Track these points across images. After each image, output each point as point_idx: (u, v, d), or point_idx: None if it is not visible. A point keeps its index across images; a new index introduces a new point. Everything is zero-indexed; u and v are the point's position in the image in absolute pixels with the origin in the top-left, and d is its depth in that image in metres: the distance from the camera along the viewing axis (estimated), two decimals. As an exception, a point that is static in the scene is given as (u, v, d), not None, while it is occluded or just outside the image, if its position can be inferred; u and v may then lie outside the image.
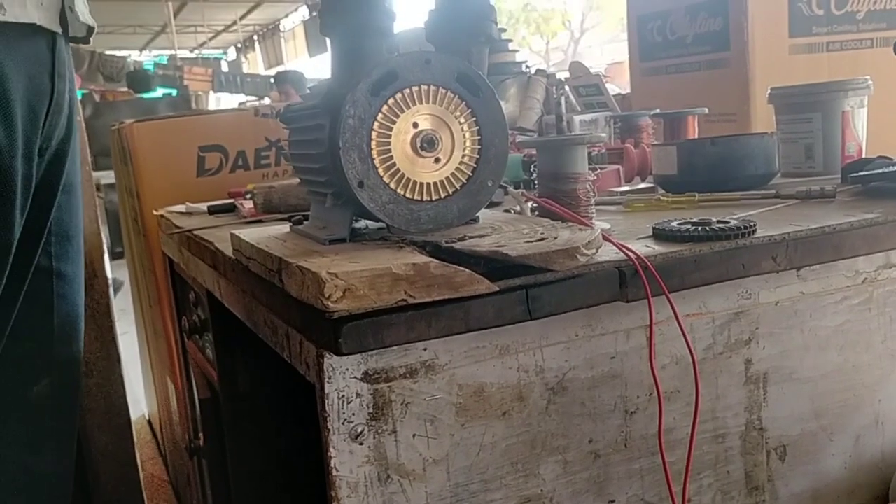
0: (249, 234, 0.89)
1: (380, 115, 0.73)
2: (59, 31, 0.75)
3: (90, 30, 0.86)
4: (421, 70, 0.74)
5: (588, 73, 2.06)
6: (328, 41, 0.80)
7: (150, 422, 2.45)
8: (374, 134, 0.73)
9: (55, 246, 0.81)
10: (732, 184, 1.09)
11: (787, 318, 0.85)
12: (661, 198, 1.06)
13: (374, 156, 0.73)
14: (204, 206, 1.46)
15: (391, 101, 0.73)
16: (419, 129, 0.74)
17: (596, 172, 0.89)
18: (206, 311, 1.29)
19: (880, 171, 1.05)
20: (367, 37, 0.77)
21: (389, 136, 0.73)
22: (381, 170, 0.73)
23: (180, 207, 1.52)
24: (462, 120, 0.76)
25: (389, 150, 0.73)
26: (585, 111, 1.94)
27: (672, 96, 2.02)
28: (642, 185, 1.27)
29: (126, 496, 1.65)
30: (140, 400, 2.54)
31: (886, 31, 1.82)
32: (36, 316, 0.81)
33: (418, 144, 0.74)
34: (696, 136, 1.46)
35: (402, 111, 0.73)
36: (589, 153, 1.06)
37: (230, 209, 1.40)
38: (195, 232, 1.22)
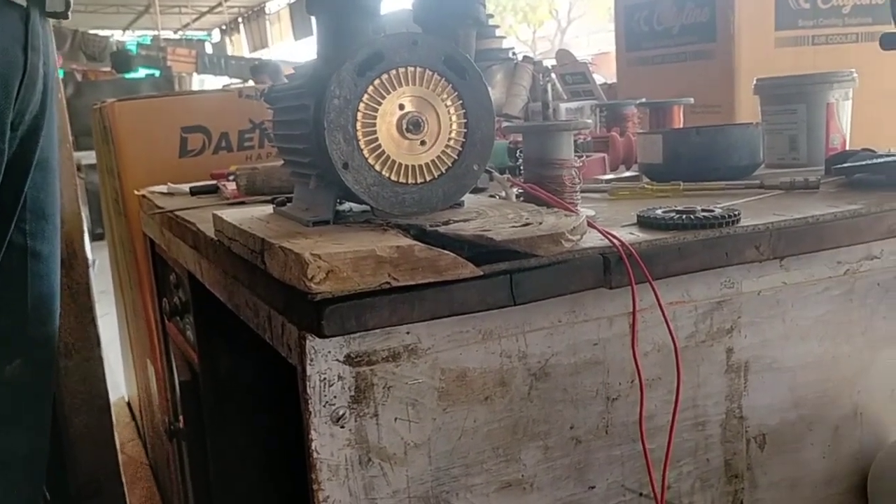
0: (232, 215, 0.88)
1: (365, 96, 0.72)
2: (34, 3, 0.73)
3: (68, 4, 0.84)
4: (407, 51, 0.73)
5: (575, 62, 2.06)
6: (314, 20, 0.79)
7: (129, 404, 2.43)
8: (359, 115, 0.72)
9: (30, 223, 0.80)
10: (717, 173, 1.09)
11: (769, 307, 0.85)
12: (646, 186, 1.06)
13: (360, 137, 0.72)
14: (186, 188, 1.44)
15: (377, 81, 0.72)
16: (405, 111, 0.74)
17: (581, 160, 0.89)
18: (186, 292, 1.28)
19: (864, 163, 1.05)
20: (354, 16, 0.76)
21: (375, 118, 0.73)
22: (365, 151, 0.73)
23: (162, 188, 1.51)
24: (448, 103, 0.75)
25: (375, 132, 0.73)
26: (571, 99, 1.93)
27: (658, 86, 2.03)
28: (627, 174, 1.27)
29: (104, 478, 1.64)
30: (120, 382, 2.53)
31: (872, 25, 1.82)
32: (10, 294, 0.80)
33: (404, 126, 0.74)
34: (682, 126, 1.46)
35: (388, 92, 0.73)
36: (575, 141, 1.06)
37: (212, 190, 1.38)
38: (177, 212, 1.21)
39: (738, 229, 0.79)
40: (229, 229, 0.84)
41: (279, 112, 0.87)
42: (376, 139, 0.73)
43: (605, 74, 2.93)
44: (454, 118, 0.76)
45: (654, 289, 0.73)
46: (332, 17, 0.76)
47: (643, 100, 1.64)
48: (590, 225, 0.76)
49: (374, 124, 0.73)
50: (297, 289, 0.64)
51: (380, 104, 0.73)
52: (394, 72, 0.73)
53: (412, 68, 0.73)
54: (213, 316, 1.20)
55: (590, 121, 0.93)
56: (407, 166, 0.75)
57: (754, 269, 0.83)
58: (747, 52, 1.85)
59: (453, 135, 0.76)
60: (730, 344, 0.83)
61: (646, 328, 0.79)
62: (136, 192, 1.55)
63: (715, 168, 1.10)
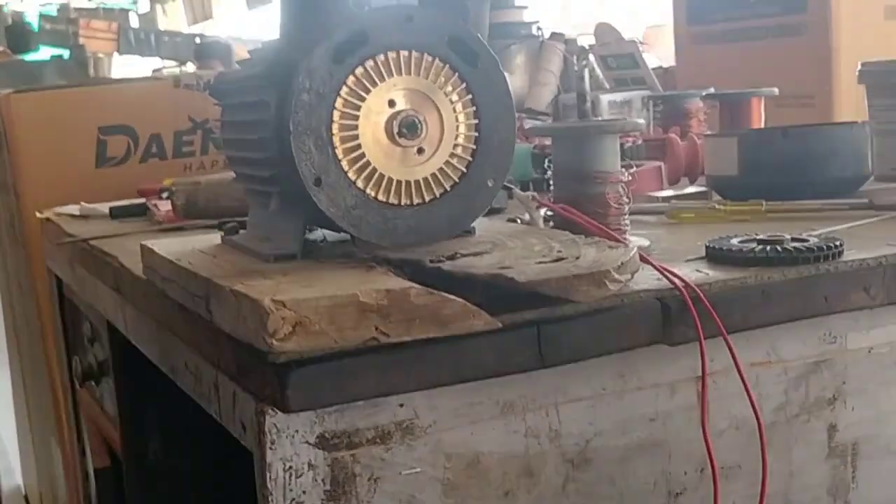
0: (166, 246, 0.88)
1: (344, 90, 0.72)
2: None
3: None
4: (400, 30, 0.73)
5: (620, 39, 2.07)
6: (277, -10, 0.80)
7: (26, 497, 2.42)
8: (336, 115, 0.72)
9: None
10: (810, 189, 1.10)
11: (884, 369, 0.85)
12: (717, 206, 1.06)
13: (337, 144, 0.73)
14: (105, 208, 1.45)
15: (359, 70, 0.73)
16: (397, 108, 0.74)
17: (631, 171, 0.89)
18: (105, 349, 1.28)
19: None
20: (329, -15, 0.77)
21: (357, 118, 0.73)
22: (344, 163, 0.73)
23: (73, 209, 1.51)
24: (454, 98, 0.76)
25: (357, 137, 0.73)
26: (616, 89, 1.95)
27: (730, 71, 2.04)
28: (691, 189, 1.28)
29: None
30: (15, 468, 2.52)
31: None
32: None
33: (395, 129, 0.74)
34: (763, 126, 1.47)
35: (375, 85, 0.73)
36: (622, 145, 1.07)
37: (140, 212, 1.39)
38: (93, 242, 1.22)
39: (841, 265, 0.79)
40: (163, 266, 0.84)
41: (230, 109, 0.87)
42: (359, 146, 0.73)
43: (659, 55, 2.95)
44: (462, 118, 0.76)
45: (729, 345, 0.73)
46: (301, -14, 0.77)
47: (711, 90, 1.65)
48: (643, 259, 0.76)
49: (356, 127, 0.73)
50: (255, 347, 0.64)
51: (363, 100, 0.73)
52: (381, 57, 0.73)
53: (406, 53, 0.74)
54: (141, 381, 1.20)
55: (641, 120, 0.93)
56: (399, 182, 0.75)
57: (863, 318, 0.83)
58: (849, 25, 1.86)
59: (460, 140, 0.76)
60: (832, 419, 0.83)
61: (720, 398, 0.79)
62: (38, 215, 1.56)
63: (808, 182, 1.11)
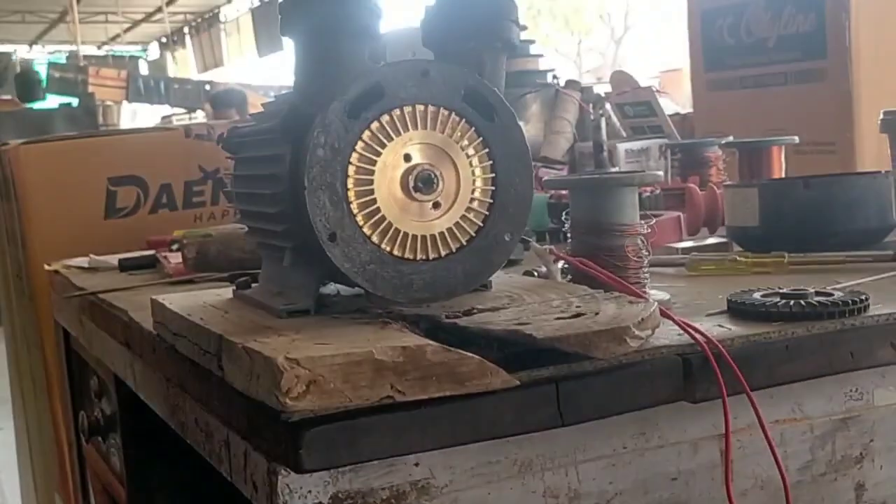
0: (177, 301, 0.89)
1: (360, 145, 0.73)
2: None
3: None
4: (415, 84, 0.75)
5: (636, 87, 2.09)
6: (291, 42, 0.81)
7: (28, 556, 2.41)
8: (351, 169, 0.73)
9: None
10: (834, 240, 1.10)
11: (913, 426, 0.84)
12: (738, 258, 1.07)
13: (352, 199, 0.73)
14: (114, 260, 1.46)
15: (375, 125, 0.74)
16: (412, 163, 0.75)
17: (649, 222, 0.90)
18: (113, 404, 1.28)
19: None
20: (344, 39, 0.78)
21: (373, 173, 0.74)
22: (360, 218, 0.74)
23: (81, 261, 1.52)
24: (470, 152, 0.77)
25: (372, 192, 0.74)
26: (633, 137, 1.96)
27: (749, 118, 2.05)
28: (711, 240, 1.28)
29: None
30: (16, 525, 2.50)
31: None
32: None
33: (411, 184, 0.75)
34: (784, 174, 1.47)
35: (391, 139, 0.74)
36: (639, 195, 1.07)
37: (150, 265, 1.40)
38: (101, 295, 1.22)
39: (867, 320, 0.79)
40: (173, 321, 0.85)
41: (243, 163, 0.88)
42: (374, 201, 0.74)
43: (675, 100, 2.97)
44: (478, 172, 0.77)
45: (753, 403, 0.73)
46: (315, 40, 0.79)
47: (730, 138, 1.66)
48: (663, 314, 0.76)
49: (372, 182, 0.74)
50: (267, 405, 0.65)
51: (379, 155, 0.74)
52: (397, 112, 0.74)
53: (422, 107, 0.75)
54: (149, 437, 1.20)
55: (660, 172, 0.94)
56: (415, 237, 0.76)
57: (890, 373, 0.83)
58: (869, 70, 1.87)
59: (477, 194, 0.77)
60: (860, 477, 0.83)
61: (744, 457, 0.78)
62: (46, 267, 1.57)
63: (832, 233, 1.11)
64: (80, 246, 1.58)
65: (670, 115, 2.07)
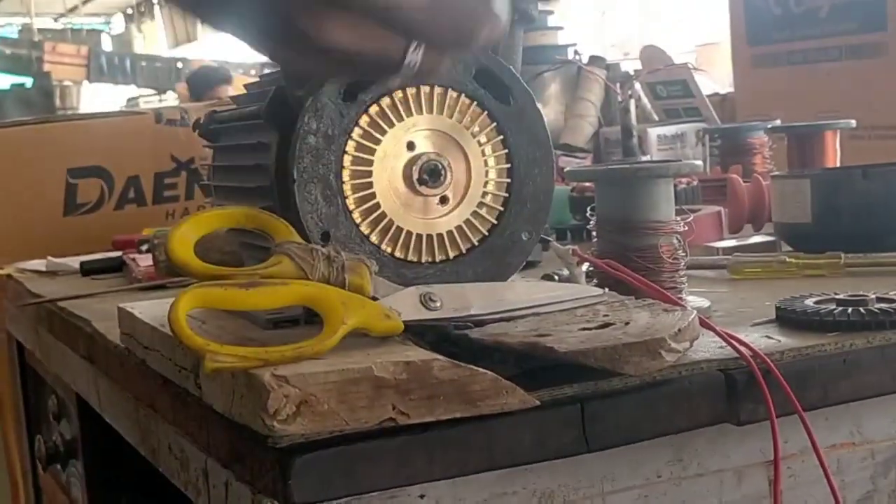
0: (148, 309, 0.89)
1: (357, 132, 0.73)
2: None
3: None
4: (420, 62, 0.75)
5: (669, 64, 2.09)
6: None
7: None
8: (347, 160, 0.73)
9: None
10: (896, 239, 1.10)
11: None
12: (788, 259, 1.06)
13: (347, 193, 0.74)
14: (75, 263, 1.46)
15: (374, 109, 0.74)
16: (417, 152, 0.75)
17: (686, 219, 0.90)
18: (74, 427, 1.28)
19: None
20: (338, 10, 0.78)
21: (371, 164, 0.74)
22: (356, 214, 0.74)
23: (38, 264, 1.52)
24: (482, 139, 0.77)
25: (371, 185, 0.74)
26: (666, 121, 1.97)
27: (798, 98, 2.05)
28: (756, 239, 1.28)
29: None
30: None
31: None
32: None
33: (415, 176, 0.75)
34: (839, 163, 1.47)
35: (392, 125, 0.74)
36: (675, 187, 1.07)
37: (116, 268, 1.40)
38: (61, 303, 1.22)
39: (936, 330, 0.79)
40: (144, 332, 0.85)
41: (223, 152, 0.89)
42: (373, 196, 0.74)
43: (713, 78, 2.97)
44: (491, 163, 0.77)
45: (806, 425, 0.72)
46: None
47: (777, 122, 1.66)
48: (703, 324, 0.76)
49: (371, 174, 0.74)
50: (252, 429, 0.64)
51: (379, 143, 0.74)
52: (400, 94, 0.74)
53: (427, 89, 0.75)
54: (115, 466, 1.20)
55: (699, 161, 0.94)
56: (419, 236, 0.76)
57: (963, 391, 0.82)
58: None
59: (490, 188, 0.77)
60: (928, 509, 0.83)
61: (795, 486, 0.78)
62: (-3, 271, 1.57)
63: (894, 230, 1.11)
64: (36, 246, 1.59)
65: (708, 96, 2.07)
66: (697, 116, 1.95)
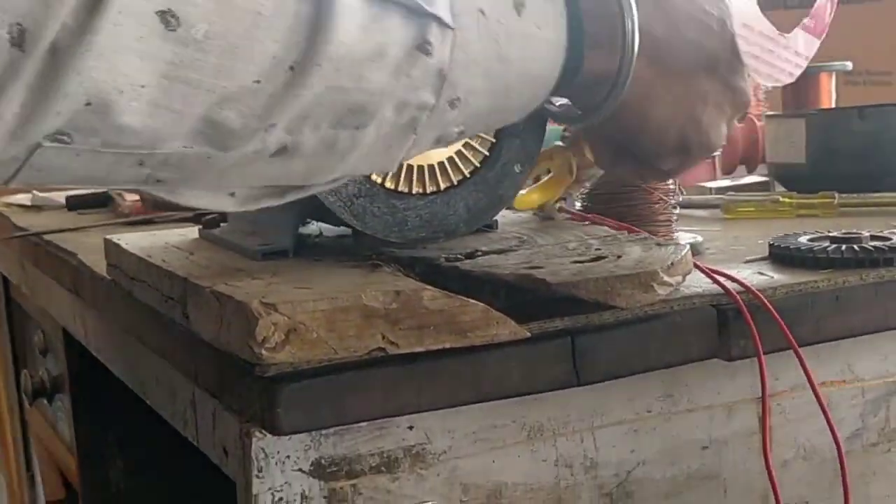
0: (135, 241, 0.89)
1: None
2: None
3: None
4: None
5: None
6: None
7: (-36, 536, 2.43)
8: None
9: None
10: (891, 179, 1.10)
11: (979, 390, 0.84)
12: (781, 199, 1.06)
13: (337, 122, 0.73)
14: (61, 198, 1.45)
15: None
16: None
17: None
18: (60, 361, 1.28)
19: None
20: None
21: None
22: (347, 144, 0.73)
23: (23, 198, 1.52)
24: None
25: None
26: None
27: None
28: (750, 179, 1.28)
29: None
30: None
31: None
32: None
33: (406, 105, 0.74)
34: (835, 106, 1.46)
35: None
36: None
37: (102, 202, 1.40)
38: (46, 237, 1.22)
39: (930, 267, 0.79)
40: (131, 264, 0.85)
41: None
42: (363, 125, 0.73)
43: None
44: (484, 92, 0.76)
45: (801, 360, 0.72)
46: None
47: (772, 64, 1.64)
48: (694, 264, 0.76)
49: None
50: (240, 358, 0.64)
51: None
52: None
53: (420, 15, 0.74)
54: (103, 398, 1.20)
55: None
56: (410, 167, 0.75)
57: (955, 330, 0.82)
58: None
59: (483, 119, 0.76)
60: (917, 448, 0.83)
61: (785, 423, 0.78)
62: (-20, 205, 1.56)
63: (889, 171, 1.10)
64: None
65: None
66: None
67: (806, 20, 0.90)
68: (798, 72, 0.87)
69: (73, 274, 1.07)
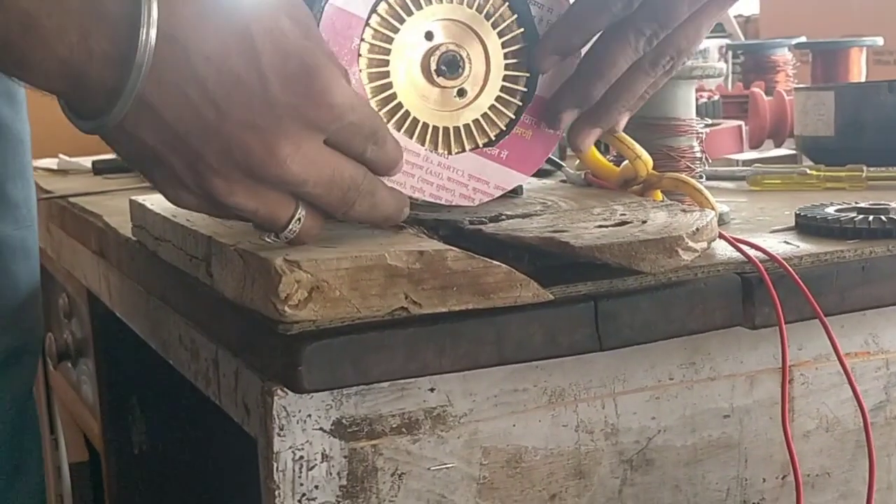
0: (160, 201, 0.88)
1: (375, 19, 0.72)
2: None
3: None
4: (439, -52, 0.73)
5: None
6: None
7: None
8: (364, 48, 0.72)
9: None
10: (920, 153, 1.09)
11: None
12: (809, 171, 1.06)
13: (364, 82, 0.73)
14: (87, 162, 1.46)
15: (392, -3, 0.73)
16: (434, 43, 0.74)
17: (707, 123, 0.89)
18: (84, 324, 1.29)
19: None
20: None
21: (388, 53, 0.73)
22: (373, 104, 0.73)
23: (50, 162, 1.52)
24: (503, 31, 0.75)
25: (388, 76, 0.73)
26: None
27: (823, 17, 2.02)
28: (777, 152, 1.27)
29: None
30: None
31: None
32: None
33: (433, 67, 0.74)
34: (864, 80, 1.45)
35: (410, 14, 0.73)
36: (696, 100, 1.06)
37: (128, 167, 1.40)
38: (73, 199, 1.22)
39: (957, 239, 0.79)
40: (155, 224, 0.85)
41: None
42: (389, 86, 0.73)
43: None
44: (511, 55, 0.76)
45: (827, 329, 0.72)
46: None
47: (802, 38, 1.63)
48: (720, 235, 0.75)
49: (387, 63, 0.73)
50: (262, 315, 0.64)
51: (396, 32, 0.73)
52: (419, -19, 0.73)
53: (448, -23, 0.74)
54: (127, 361, 1.21)
55: (721, 64, 0.92)
56: (436, 129, 0.75)
57: (983, 303, 0.82)
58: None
59: (508, 81, 0.76)
60: (941, 422, 0.83)
61: (807, 394, 0.78)
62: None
63: (917, 145, 1.10)
64: (47, 146, 1.57)
65: (734, 16, 2.04)
66: (722, 33, 1.92)
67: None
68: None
69: (99, 236, 1.07)
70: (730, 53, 1.74)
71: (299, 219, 0.64)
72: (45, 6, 0.56)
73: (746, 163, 1.18)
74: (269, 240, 0.66)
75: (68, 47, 0.57)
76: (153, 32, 0.57)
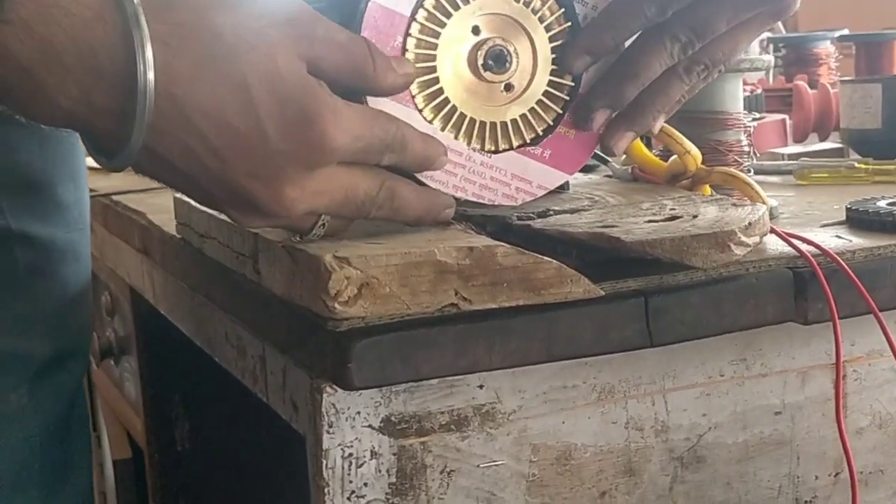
0: (204, 199, 0.89)
1: (421, 14, 0.72)
2: None
3: None
4: (486, -57, 0.73)
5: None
6: None
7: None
8: (411, 43, 0.72)
9: (8, 199, 0.87)
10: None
11: None
12: (857, 164, 1.05)
13: (411, 78, 0.72)
14: (129, 160, 1.46)
15: (440, -10, 0.73)
16: (482, 37, 0.74)
17: (755, 116, 0.88)
18: (127, 322, 1.29)
19: None
20: None
21: (435, 49, 0.73)
22: (419, 99, 0.73)
23: (90, 160, 1.52)
24: (553, 25, 0.75)
25: (434, 71, 0.73)
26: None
27: (865, 8, 2.00)
28: (822, 146, 1.26)
29: None
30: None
31: None
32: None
33: (480, 62, 0.73)
34: (909, 73, 1.44)
35: (457, 8, 0.73)
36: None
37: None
38: (116, 197, 1.23)
39: None
40: (201, 221, 0.85)
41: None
42: (436, 81, 0.73)
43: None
44: (558, 51, 0.75)
45: (882, 323, 0.71)
46: None
47: (845, 31, 1.62)
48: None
49: (434, 58, 0.73)
50: (311, 312, 0.64)
51: (443, 26, 0.73)
52: (467, -24, 0.73)
53: (495, -29, 0.73)
54: (170, 359, 1.22)
55: (768, 56, 0.92)
56: (483, 124, 0.74)
57: None
58: None
59: (556, 76, 0.76)
60: None
61: (861, 390, 0.77)
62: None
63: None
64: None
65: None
66: (763, 27, 1.91)
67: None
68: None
69: (142, 233, 1.08)
70: (771, 47, 1.73)
71: (324, 224, 0.66)
72: (45, 63, 0.57)
73: (792, 157, 1.17)
74: (296, 239, 0.67)
75: (71, 100, 0.58)
76: (150, 89, 0.58)
